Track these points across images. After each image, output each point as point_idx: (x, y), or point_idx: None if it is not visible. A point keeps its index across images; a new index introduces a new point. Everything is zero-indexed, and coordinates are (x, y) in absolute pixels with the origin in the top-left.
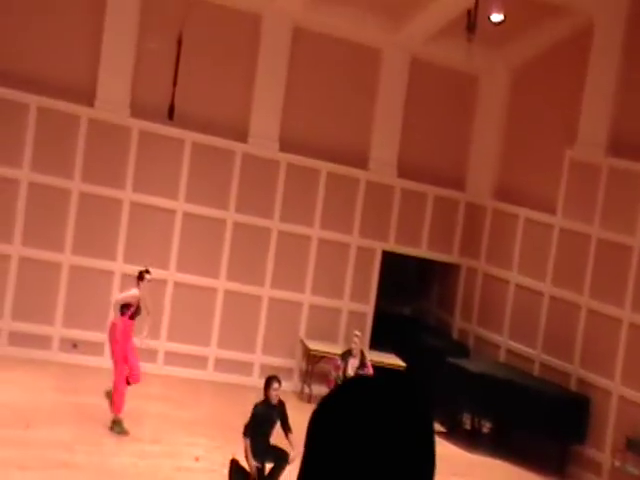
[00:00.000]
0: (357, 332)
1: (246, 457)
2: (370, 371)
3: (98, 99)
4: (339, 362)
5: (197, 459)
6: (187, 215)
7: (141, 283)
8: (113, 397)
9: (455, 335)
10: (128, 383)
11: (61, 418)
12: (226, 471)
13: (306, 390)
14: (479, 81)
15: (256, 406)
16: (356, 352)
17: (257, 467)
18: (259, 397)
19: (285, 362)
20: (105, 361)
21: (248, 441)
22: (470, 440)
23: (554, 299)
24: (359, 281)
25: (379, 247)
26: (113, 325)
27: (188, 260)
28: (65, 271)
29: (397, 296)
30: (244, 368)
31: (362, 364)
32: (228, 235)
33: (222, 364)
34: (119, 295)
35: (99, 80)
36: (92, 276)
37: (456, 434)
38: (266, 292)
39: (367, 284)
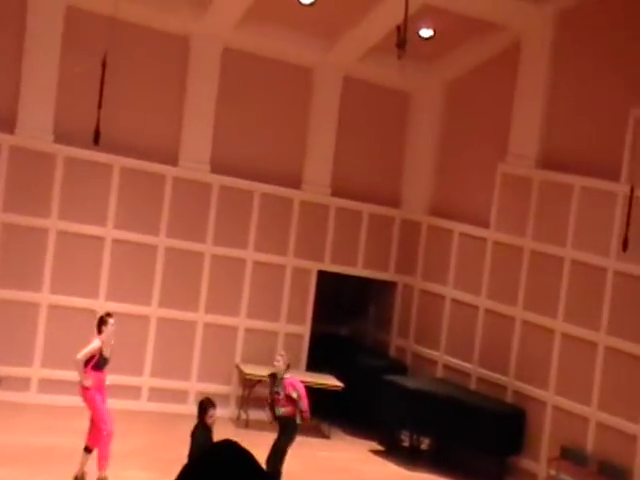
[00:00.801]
0: (281, 352)
1: None
2: (288, 391)
3: (19, 125)
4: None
5: None
6: (116, 242)
7: (104, 328)
8: (101, 453)
9: (392, 353)
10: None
11: None
12: None
13: (243, 416)
14: (412, 98)
15: (194, 433)
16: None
17: None
18: (192, 426)
19: (221, 388)
20: (31, 397)
21: None
22: (409, 457)
23: (489, 312)
24: (295, 302)
25: (315, 267)
26: (85, 390)
27: (118, 288)
28: None
29: (334, 316)
30: (179, 396)
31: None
32: (160, 260)
33: (156, 393)
34: (80, 353)
35: (20, 105)
36: (17, 309)
37: (395, 452)
38: (201, 317)
39: (303, 305)
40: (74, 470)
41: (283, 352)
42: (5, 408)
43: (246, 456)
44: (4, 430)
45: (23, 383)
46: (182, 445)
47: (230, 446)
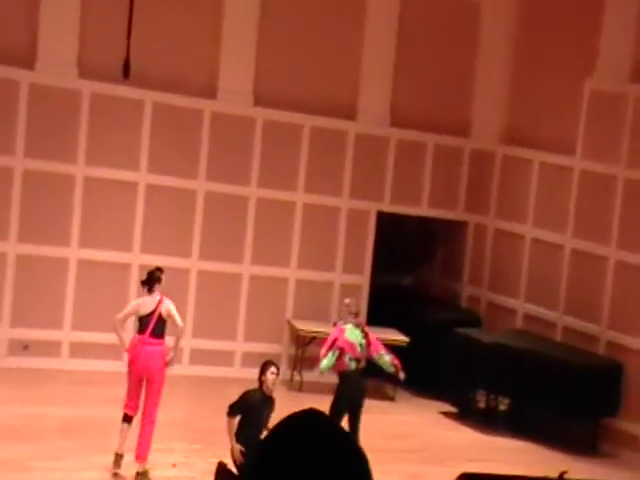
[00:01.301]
0: (347, 300)
1: (232, 453)
2: (376, 347)
3: (40, 60)
4: (344, 337)
5: (174, 466)
6: (150, 187)
7: (157, 286)
8: (144, 441)
9: (464, 303)
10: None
11: (13, 433)
12: (210, 478)
13: (296, 377)
14: (481, 8)
15: (248, 392)
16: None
17: (242, 451)
18: (241, 390)
19: (271, 348)
20: (61, 363)
21: (235, 421)
22: (486, 420)
23: (576, 253)
24: (352, 249)
25: (373, 208)
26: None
27: (154, 239)
28: (10, 262)
29: (396, 264)
30: (224, 358)
31: (366, 339)
32: (199, 207)
33: (198, 355)
34: (124, 311)
35: (40, 38)
36: (42, 266)
37: (469, 415)
38: (246, 269)
39: (361, 252)
40: (113, 445)
41: (349, 299)
42: (33, 376)
43: (334, 429)
44: (33, 401)
45: (52, 348)
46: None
47: (314, 416)
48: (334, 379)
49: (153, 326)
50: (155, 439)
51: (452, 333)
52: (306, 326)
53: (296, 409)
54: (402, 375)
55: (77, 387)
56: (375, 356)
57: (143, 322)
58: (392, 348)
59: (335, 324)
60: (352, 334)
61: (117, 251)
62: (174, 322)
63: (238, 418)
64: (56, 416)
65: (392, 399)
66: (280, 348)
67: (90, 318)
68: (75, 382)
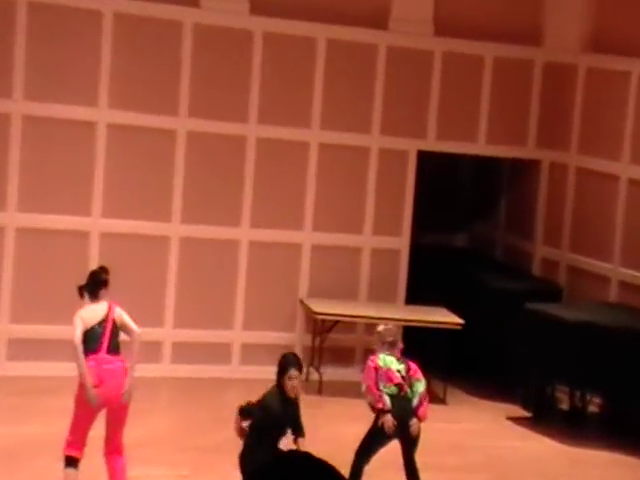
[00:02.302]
0: (380, 327)
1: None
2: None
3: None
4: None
5: None
6: (112, 127)
7: (103, 292)
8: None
9: (537, 269)
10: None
11: None
12: None
13: (313, 376)
14: None
15: (267, 397)
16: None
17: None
18: (241, 395)
19: (279, 338)
20: None
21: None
22: (571, 425)
23: None
24: (385, 203)
25: (413, 147)
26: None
27: (120, 199)
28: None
29: (445, 220)
30: (217, 353)
31: (405, 365)
32: (180, 151)
33: (183, 351)
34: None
35: None
36: None
37: (548, 418)
38: (244, 234)
39: (398, 206)
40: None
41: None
42: None
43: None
44: None
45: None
46: (224, 426)
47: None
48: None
49: (109, 339)
50: (128, 464)
51: (522, 309)
52: (326, 307)
53: (314, 417)
54: (414, 427)
55: (18, 399)
56: (412, 379)
57: (93, 337)
58: (441, 333)
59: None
60: (386, 361)
61: (70, 215)
62: (128, 331)
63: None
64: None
65: (442, 401)
66: (291, 338)
67: (33, 307)
68: (16, 392)
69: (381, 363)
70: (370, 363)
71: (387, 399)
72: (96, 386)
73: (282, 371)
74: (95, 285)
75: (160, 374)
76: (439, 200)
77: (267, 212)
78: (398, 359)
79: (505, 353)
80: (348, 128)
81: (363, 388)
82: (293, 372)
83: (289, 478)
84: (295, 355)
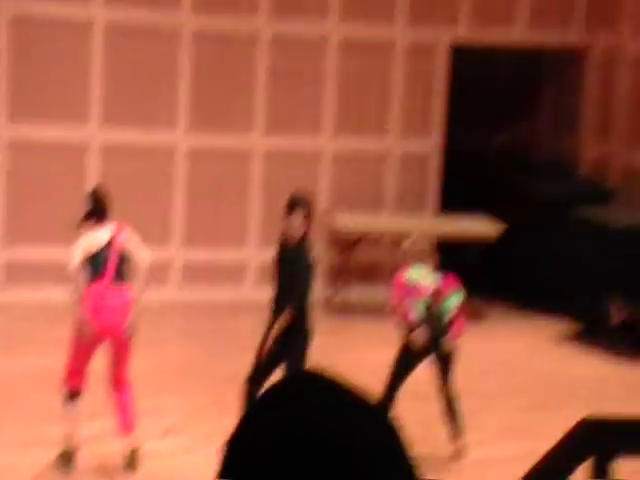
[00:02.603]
0: (407, 242)
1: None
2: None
3: None
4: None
5: (166, 433)
6: (111, 26)
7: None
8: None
9: (586, 169)
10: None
11: None
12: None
13: (336, 296)
14: None
15: (286, 258)
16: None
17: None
18: (257, 320)
19: None
20: None
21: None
22: (624, 342)
23: None
24: (413, 101)
25: (443, 38)
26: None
27: (120, 104)
28: None
29: (481, 118)
30: (230, 274)
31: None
32: (185, 46)
33: (193, 272)
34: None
35: None
36: None
37: (599, 334)
38: (257, 142)
39: (427, 104)
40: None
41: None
42: None
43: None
44: None
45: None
46: (239, 353)
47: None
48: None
49: (114, 267)
50: (137, 395)
51: (569, 215)
52: (349, 221)
53: (339, 341)
54: (449, 342)
55: (15, 327)
56: (447, 292)
57: (97, 263)
58: (478, 245)
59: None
60: (416, 275)
61: (64, 122)
62: (136, 256)
63: None
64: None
65: (482, 317)
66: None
67: (30, 228)
68: (12, 320)
69: (410, 277)
70: (397, 278)
71: (416, 313)
72: (95, 318)
73: (287, 211)
74: (98, 207)
75: (168, 298)
76: (475, 99)
77: (283, 117)
78: (430, 271)
79: (551, 264)
80: (370, 15)
81: (390, 305)
82: (299, 211)
83: (301, 408)
84: (301, 194)
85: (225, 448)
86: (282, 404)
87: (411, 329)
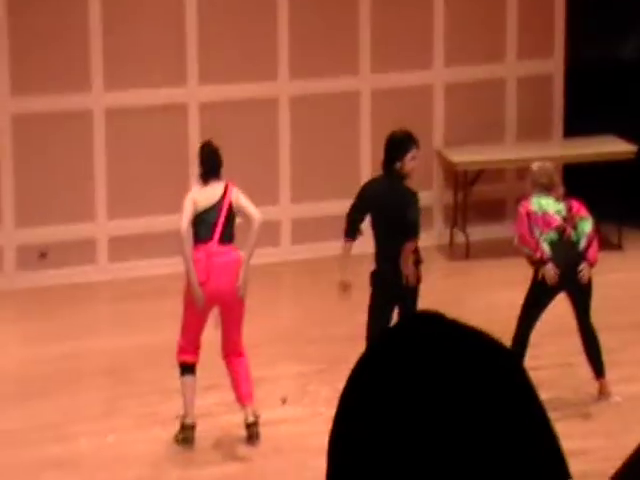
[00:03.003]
0: (535, 165)
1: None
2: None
3: None
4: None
5: (284, 402)
6: None
7: (220, 170)
8: (241, 376)
9: None
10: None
11: (41, 386)
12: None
13: (458, 238)
14: None
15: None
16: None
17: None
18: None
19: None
20: (97, 272)
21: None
22: None
23: None
24: (530, 17)
25: None
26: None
27: (217, 57)
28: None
29: (609, 27)
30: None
31: (566, 204)
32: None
33: (304, 229)
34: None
35: None
36: (53, 125)
37: None
38: (364, 82)
39: (546, 18)
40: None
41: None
42: (57, 297)
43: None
44: (62, 334)
45: (82, 251)
46: (357, 309)
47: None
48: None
49: (222, 227)
50: (250, 361)
51: None
52: (467, 156)
53: (462, 285)
54: (584, 272)
55: (123, 305)
56: (576, 219)
57: (204, 224)
58: (612, 168)
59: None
60: (542, 203)
61: (163, 87)
62: (247, 216)
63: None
64: (98, 353)
65: (618, 247)
66: (429, 197)
67: (131, 199)
68: (119, 297)
69: (535, 207)
70: (521, 209)
71: (546, 246)
72: (205, 282)
73: (403, 150)
74: (211, 164)
75: (280, 258)
76: (600, 2)
77: (388, 52)
78: (557, 199)
79: None
80: None
81: (515, 240)
82: (415, 151)
83: (423, 352)
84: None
85: (340, 399)
86: (400, 350)
87: (542, 263)
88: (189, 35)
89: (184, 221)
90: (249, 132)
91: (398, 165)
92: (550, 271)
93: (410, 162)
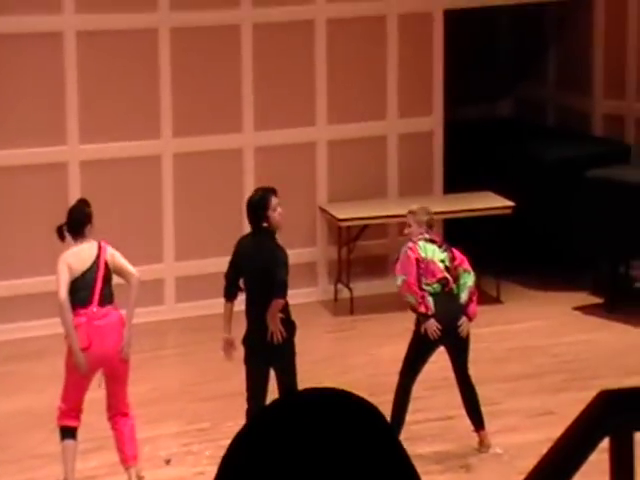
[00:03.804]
0: (414, 207)
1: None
2: (462, 260)
3: None
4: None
5: (167, 463)
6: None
7: (89, 228)
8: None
9: (598, 129)
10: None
11: None
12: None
13: (342, 293)
14: None
15: (263, 249)
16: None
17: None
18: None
19: (300, 255)
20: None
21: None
22: None
23: None
24: (410, 78)
25: (437, 7)
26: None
27: (100, 116)
28: None
29: (484, 88)
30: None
31: (448, 254)
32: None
33: (188, 286)
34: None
35: None
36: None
37: (624, 302)
38: (247, 140)
39: (425, 79)
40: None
41: (415, 207)
42: None
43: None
44: None
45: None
46: (240, 369)
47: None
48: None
49: (100, 289)
50: (137, 425)
51: (583, 179)
52: (350, 212)
53: (346, 339)
54: (463, 327)
55: (2, 366)
56: (459, 270)
57: (82, 287)
58: (489, 222)
59: (397, 259)
60: (427, 250)
61: (39, 147)
62: (125, 274)
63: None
64: None
65: (496, 300)
66: (313, 253)
67: (9, 260)
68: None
69: (422, 253)
70: (410, 253)
71: (431, 301)
72: (88, 347)
73: (263, 206)
74: (78, 222)
75: (164, 317)
76: (475, 66)
77: (271, 110)
78: (439, 246)
79: (567, 234)
80: None
81: (398, 282)
82: (275, 201)
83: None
84: (271, 188)
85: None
86: (276, 429)
87: (425, 317)
88: (69, 93)
89: (62, 289)
90: (132, 190)
91: (265, 223)
92: (432, 326)
93: (274, 214)
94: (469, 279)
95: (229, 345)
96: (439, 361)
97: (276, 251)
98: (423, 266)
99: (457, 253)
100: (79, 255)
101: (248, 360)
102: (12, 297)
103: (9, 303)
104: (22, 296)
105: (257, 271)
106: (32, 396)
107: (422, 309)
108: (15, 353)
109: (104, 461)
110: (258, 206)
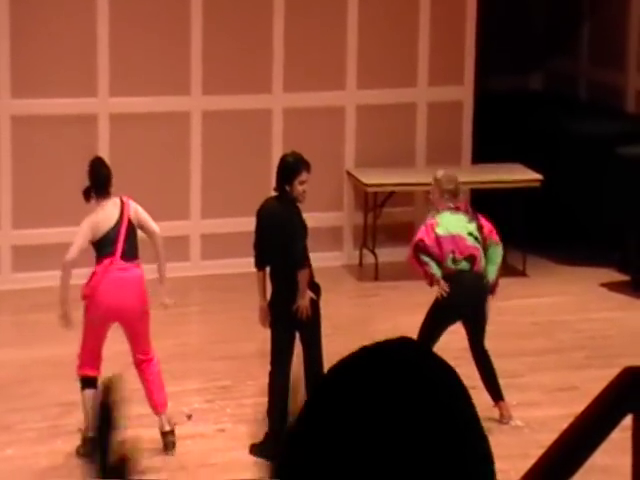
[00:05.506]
0: (439, 172)
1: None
2: (489, 230)
3: None
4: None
5: (189, 418)
6: None
7: (110, 188)
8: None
9: (631, 106)
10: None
11: None
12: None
13: (367, 259)
14: None
15: (282, 219)
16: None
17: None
18: None
19: (325, 219)
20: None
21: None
22: None
23: None
24: (441, 45)
25: None
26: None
27: (127, 71)
28: None
29: (516, 57)
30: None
31: (476, 223)
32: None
33: (213, 245)
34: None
35: None
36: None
37: None
38: (276, 100)
39: (457, 48)
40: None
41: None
42: None
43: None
44: None
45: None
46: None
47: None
48: None
49: (124, 243)
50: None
51: (614, 156)
52: (377, 178)
53: (370, 306)
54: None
55: (27, 315)
56: (487, 242)
57: (106, 243)
58: (517, 194)
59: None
60: (451, 223)
61: (71, 97)
62: (148, 231)
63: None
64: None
65: (522, 273)
66: (339, 217)
67: (37, 209)
68: (23, 308)
69: (443, 226)
70: (423, 230)
71: (434, 267)
72: (103, 298)
73: (291, 175)
74: (102, 183)
75: (189, 273)
76: (507, 37)
77: (301, 73)
78: (465, 213)
79: (596, 210)
80: None
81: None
82: (305, 175)
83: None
84: (301, 155)
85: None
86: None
87: (437, 283)
88: (100, 46)
89: (72, 251)
90: (160, 146)
91: (287, 188)
92: (443, 285)
93: (298, 186)
94: (498, 254)
95: (265, 313)
96: (460, 332)
97: (293, 220)
98: (447, 240)
99: (484, 221)
100: (104, 215)
101: (274, 324)
102: (41, 245)
103: (38, 251)
104: (51, 245)
105: (276, 238)
106: (57, 345)
107: (428, 281)
108: (42, 301)
109: (130, 413)
110: (290, 169)
